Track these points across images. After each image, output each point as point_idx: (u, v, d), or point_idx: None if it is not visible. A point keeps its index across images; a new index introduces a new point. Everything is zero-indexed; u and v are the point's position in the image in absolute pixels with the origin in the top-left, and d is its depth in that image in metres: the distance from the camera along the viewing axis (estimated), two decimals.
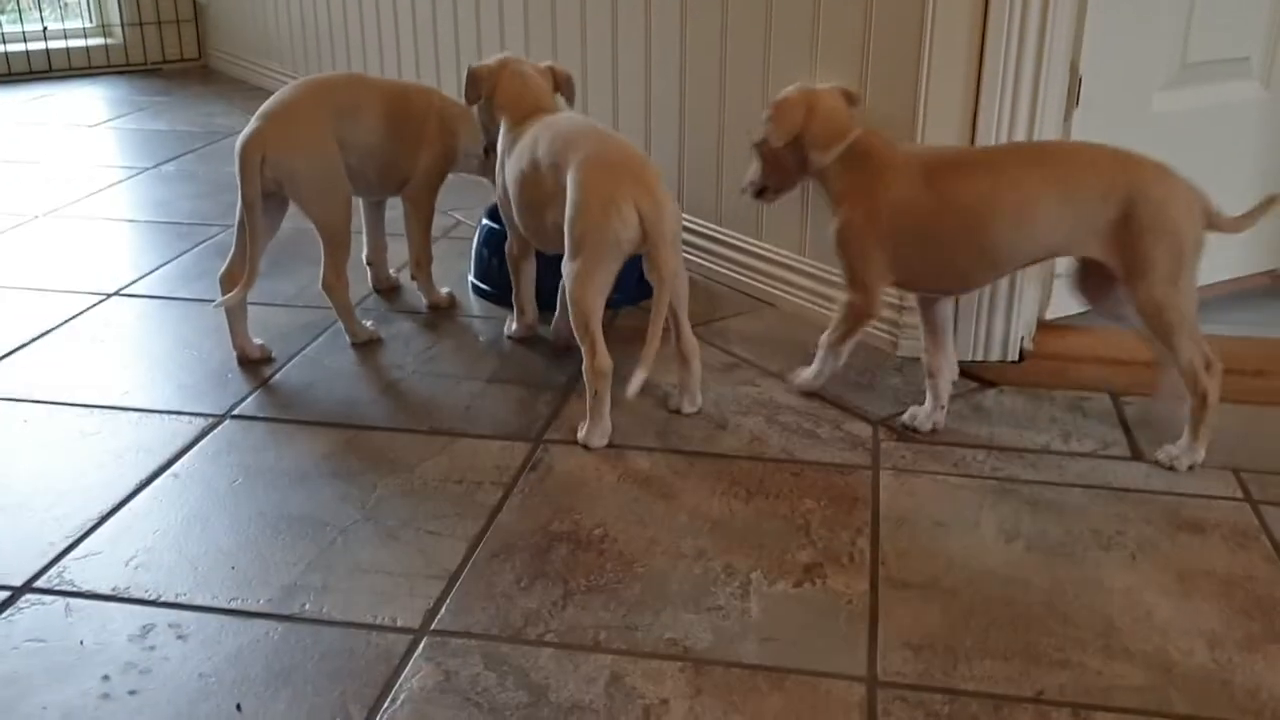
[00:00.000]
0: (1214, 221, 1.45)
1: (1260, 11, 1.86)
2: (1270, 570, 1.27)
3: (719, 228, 2.15)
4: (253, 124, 1.74)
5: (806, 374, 1.70)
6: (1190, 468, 1.48)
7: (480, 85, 1.75)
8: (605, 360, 1.52)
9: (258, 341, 1.82)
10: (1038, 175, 1.46)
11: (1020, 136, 1.67)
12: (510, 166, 1.68)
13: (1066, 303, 1.85)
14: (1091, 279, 1.54)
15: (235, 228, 1.76)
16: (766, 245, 2.05)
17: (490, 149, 1.82)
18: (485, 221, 2.10)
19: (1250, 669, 1.12)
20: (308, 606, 1.21)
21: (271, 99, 1.79)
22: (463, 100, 1.79)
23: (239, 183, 1.71)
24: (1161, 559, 1.30)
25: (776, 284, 2.04)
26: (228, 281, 1.76)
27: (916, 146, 1.65)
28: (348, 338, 1.88)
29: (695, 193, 2.19)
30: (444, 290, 2.05)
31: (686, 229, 2.22)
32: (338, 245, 1.81)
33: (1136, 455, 1.52)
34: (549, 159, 1.58)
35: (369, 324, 1.90)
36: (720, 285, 2.15)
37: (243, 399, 1.69)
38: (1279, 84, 1.92)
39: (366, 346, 1.87)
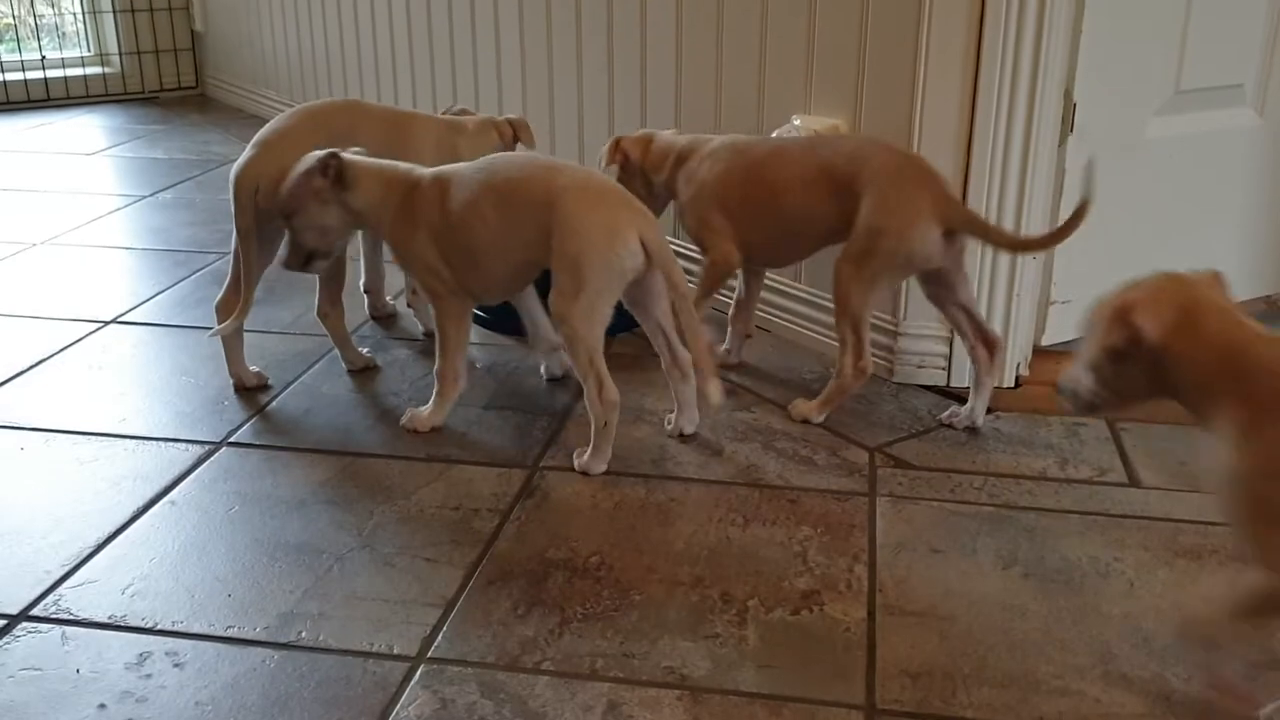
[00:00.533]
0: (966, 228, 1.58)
1: (1253, 39, 1.87)
2: None
3: None
4: (247, 152, 1.75)
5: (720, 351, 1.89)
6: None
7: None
8: (614, 392, 1.53)
9: (254, 369, 1.83)
10: (815, 158, 1.66)
11: (1015, 162, 1.68)
12: (457, 215, 1.58)
13: (1062, 329, 1.86)
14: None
15: (230, 256, 1.76)
16: None
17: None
18: None
19: None
20: (304, 634, 1.21)
21: (266, 127, 1.79)
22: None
23: (233, 211, 1.72)
24: (1159, 586, 1.30)
25: (772, 310, 2.05)
26: (223, 309, 1.77)
27: (731, 138, 1.81)
28: (344, 364, 1.88)
29: None
30: None
31: (684, 259, 2.22)
32: (333, 273, 1.81)
33: (1133, 481, 1.53)
34: (518, 195, 1.53)
35: (365, 351, 1.91)
36: (716, 312, 2.15)
37: (239, 426, 1.69)
38: (1273, 111, 1.93)
39: (363, 373, 1.87)
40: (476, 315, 2.11)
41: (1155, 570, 1.33)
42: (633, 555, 1.36)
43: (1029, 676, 1.15)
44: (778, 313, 2.04)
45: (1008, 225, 1.70)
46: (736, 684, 1.14)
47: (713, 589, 1.29)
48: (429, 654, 1.18)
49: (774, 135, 1.89)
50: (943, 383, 1.80)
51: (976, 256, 1.72)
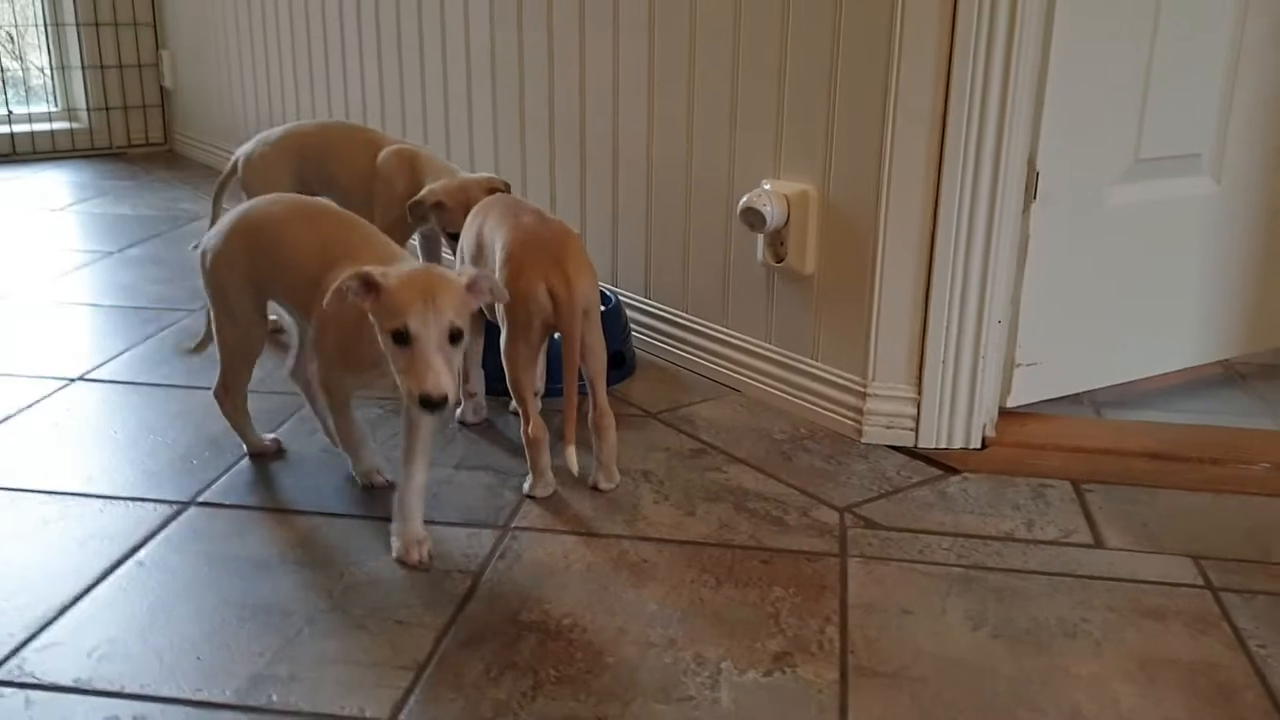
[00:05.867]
0: None
1: (1209, 110, 1.93)
2: (1231, 657, 1.29)
3: (685, 315, 2.18)
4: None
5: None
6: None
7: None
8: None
9: (269, 436, 1.81)
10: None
11: (980, 229, 1.71)
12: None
13: (1027, 391, 1.89)
14: None
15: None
16: (732, 332, 2.08)
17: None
18: None
19: None
20: (274, 698, 1.20)
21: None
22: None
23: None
24: (1125, 646, 1.31)
25: (742, 370, 2.07)
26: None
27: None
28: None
29: (663, 281, 2.22)
30: None
31: (656, 316, 2.24)
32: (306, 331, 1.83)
33: (1099, 543, 1.55)
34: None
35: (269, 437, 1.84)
36: (687, 371, 2.17)
37: (208, 485, 1.68)
38: (1229, 179, 1.99)
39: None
40: None
41: (1121, 631, 1.34)
42: (606, 617, 1.36)
43: None
44: (747, 373, 2.05)
45: (974, 290, 1.74)
46: None
47: (686, 651, 1.29)
48: (400, 717, 1.17)
49: None
50: (911, 443, 1.82)
51: (947, 320, 1.76)
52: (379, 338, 1.36)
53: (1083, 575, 1.46)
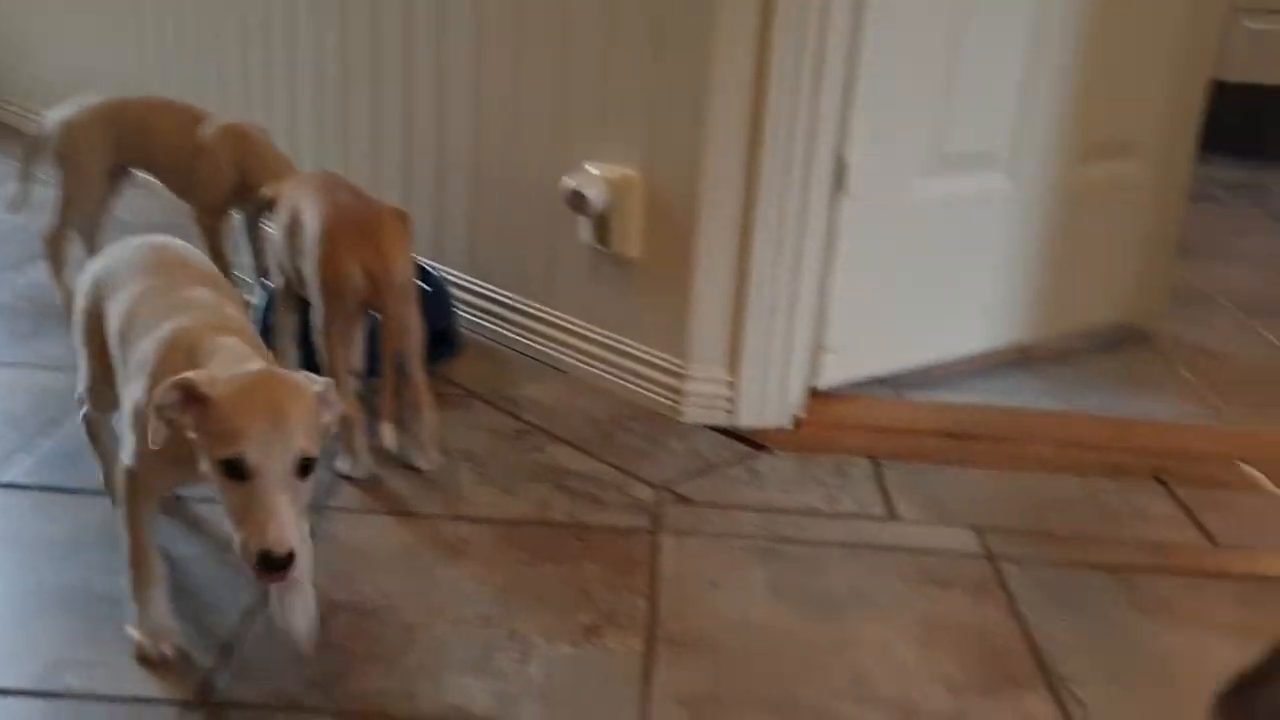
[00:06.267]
0: None
1: (1006, 111, 2.05)
2: (1005, 621, 1.40)
3: (511, 294, 2.20)
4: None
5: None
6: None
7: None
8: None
9: None
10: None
11: (791, 220, 1.79)
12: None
13: (835, 374, 1.98)
14: None
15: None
16: (557, 313, 2.11)
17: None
18: (265, 281, 2.09)
19: (983, 710, 1.23)
20: (74, 683, 1.18)
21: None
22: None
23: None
24: (910, 612, 1.41)
25: (566, 350, 2.10)
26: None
27: None
28: None
29: (489, 260, 2.24)
30: None
31: (482, 295, 2.26)
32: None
33: (892, 515, 1.64)
34: None
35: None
36: (511, 351, 2.20)
37: (8, 464, 1.62)
38: (1023, 176, 2.12)
39: None
40: None
41: (907, 598, 1.44)
42: (420, 596, 1.38)
43: (792, 700, 1.23)
44: (572, 353, 2.09)
45: (785, 277, 1.82)
46: (518, 718, 1.18)
47: (499, 627, 1.33)
48: (206, 698, 1.17)
49: None
50: (727, 423, 1.90)
51: (760, 305, 1.83)
52: (203, 464, 1.05)
53: (876, 546, 1.56)
